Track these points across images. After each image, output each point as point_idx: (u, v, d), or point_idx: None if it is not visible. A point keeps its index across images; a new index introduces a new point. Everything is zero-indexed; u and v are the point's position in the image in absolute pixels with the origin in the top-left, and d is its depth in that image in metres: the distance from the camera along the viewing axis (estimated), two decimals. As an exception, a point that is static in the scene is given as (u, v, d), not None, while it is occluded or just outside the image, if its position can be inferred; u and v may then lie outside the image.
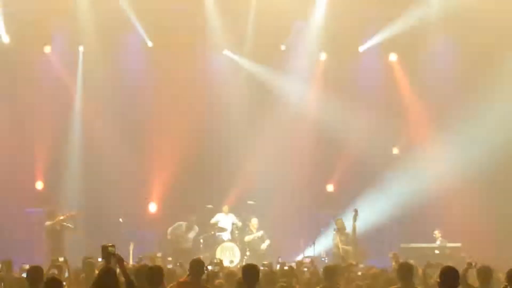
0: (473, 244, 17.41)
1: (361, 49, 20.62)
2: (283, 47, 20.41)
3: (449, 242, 18.18)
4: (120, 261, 7.82)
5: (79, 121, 19.84)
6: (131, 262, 15.79)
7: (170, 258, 16.27)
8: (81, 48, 19.81)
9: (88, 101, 19.92)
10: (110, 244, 7.97)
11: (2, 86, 19.44)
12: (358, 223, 16.98)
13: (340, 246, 17.01)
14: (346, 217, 17.51)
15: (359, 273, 12.03)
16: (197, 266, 9.23)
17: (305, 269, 12.42)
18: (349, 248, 16.93)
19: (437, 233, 18.45)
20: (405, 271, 9.30)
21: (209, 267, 10.53)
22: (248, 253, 18.36)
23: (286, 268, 12.04)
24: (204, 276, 9.27)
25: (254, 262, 9.98)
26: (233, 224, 18.75)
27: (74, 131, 19.67)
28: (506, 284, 8.46)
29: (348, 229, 17.16)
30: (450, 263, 9.04)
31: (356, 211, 17.09)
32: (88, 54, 19.71)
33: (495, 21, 18.93)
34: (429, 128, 20.60)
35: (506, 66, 19.86)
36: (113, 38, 19.80)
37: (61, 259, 11.39)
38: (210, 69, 20.57)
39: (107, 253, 7.90)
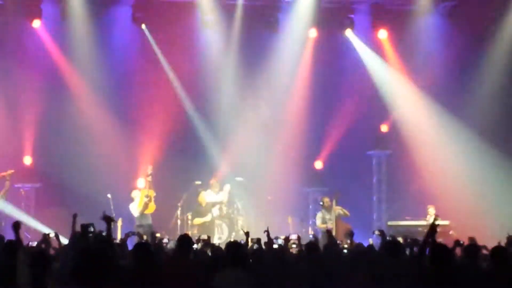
0: (461, 222, 17.46)
1: (351, 26, 20.55)
2: (277, 28, 20.25)
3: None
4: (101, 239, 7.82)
5: (68, 96, 19.70)
6: (119, 238, 15.78)
7: (158, 235, 16.25)
8: (68, 21, 19.55)
9: (78, 76, 19.79)
10: (88, 223, 7.98)
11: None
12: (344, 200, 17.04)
13: (325, 224, 17.27)
14: (332, 195, 17.65)
15: (345, 251, 12.04)
16: (185, 242, 9.20)
17: (294, 245, 12.40)
18: (333, 226, 17.05)
19: (431, 209, 18.05)
20: (392, 248, 9.30)
21: (196, 245, 10.52)
22: (236, 229, 18.38)
23: (275, 246, 12.01)
24: (191, 253, 9.24)
25: (240, 239, 9.98)
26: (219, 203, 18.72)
27: (63, 106, 19.53)
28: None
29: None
30: (438, 241, 9.04)
31: (337, 194, 17.27)
32: (76, 28, 19.54)
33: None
34: (419, 105, 20.57)
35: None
36: (101, 12, 19.66)
37: (52, 234, 11.21)
38: (199, 44, 20.45)
39: (85, 232, 7.92)
